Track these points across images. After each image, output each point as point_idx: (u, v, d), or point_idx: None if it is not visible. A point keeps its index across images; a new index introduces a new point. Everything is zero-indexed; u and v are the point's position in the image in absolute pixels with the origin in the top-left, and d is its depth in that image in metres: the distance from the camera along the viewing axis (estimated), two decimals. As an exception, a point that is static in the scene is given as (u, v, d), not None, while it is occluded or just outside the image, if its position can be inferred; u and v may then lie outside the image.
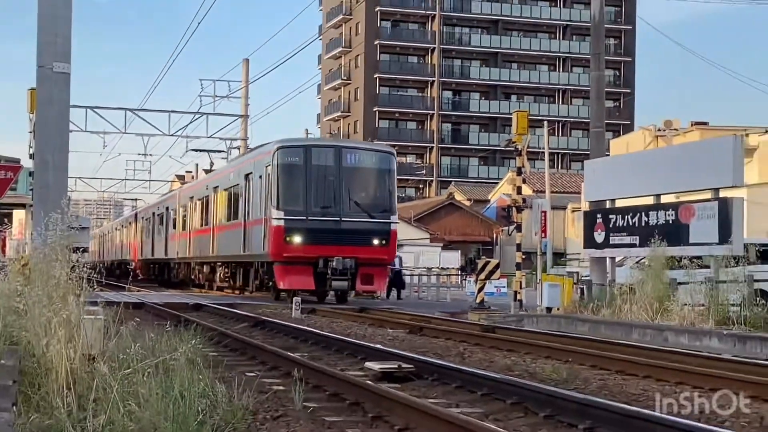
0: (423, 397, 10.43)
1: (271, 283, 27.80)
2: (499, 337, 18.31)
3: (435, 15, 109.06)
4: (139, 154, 59.11)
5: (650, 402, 10.68)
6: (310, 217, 25.38)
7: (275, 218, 25.53)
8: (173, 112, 50.16)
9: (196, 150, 54.37)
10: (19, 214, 38.34)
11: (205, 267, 39.97)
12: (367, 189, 26.75)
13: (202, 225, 38.33)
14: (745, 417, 9.80)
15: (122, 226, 69.96)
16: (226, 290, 37.05)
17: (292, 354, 14.21)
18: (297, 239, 25.10)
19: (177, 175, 76.40)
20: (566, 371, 13.28)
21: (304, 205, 25.73)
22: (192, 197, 41.74)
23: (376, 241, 26.08)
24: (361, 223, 26.19)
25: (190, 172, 63.40)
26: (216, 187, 35.79)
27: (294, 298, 26.56)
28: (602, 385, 12.28)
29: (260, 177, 27.94)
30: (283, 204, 25.65)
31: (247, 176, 30.25)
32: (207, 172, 50.06)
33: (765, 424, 9.50)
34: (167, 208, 49.08)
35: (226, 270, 35.79)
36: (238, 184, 31.38)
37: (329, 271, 25.39)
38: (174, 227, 45.99)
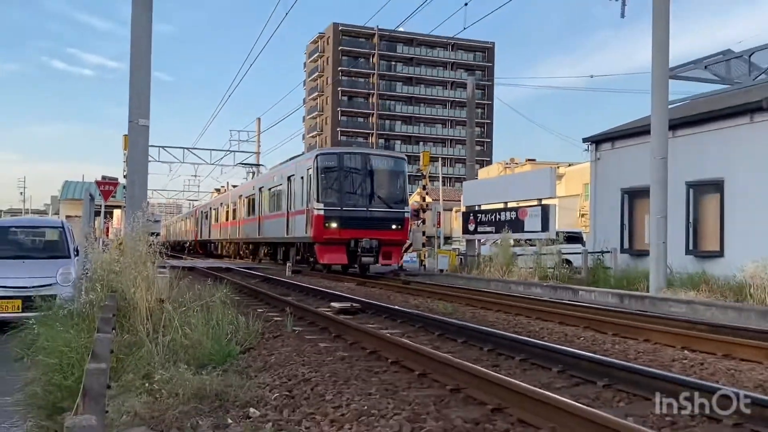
0: (365, 324, 10.53)
1: (312, 259, 24.52)
2: (412, 287, 18.38)
3: (374, 93, 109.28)
4: (192, 176, 59.17)
5: (500, 325, 10.89)
6: (344, 208, 22.47)
7: (317, 209, 22.46)
8: (213, 149, 50.36)
9: (244, 164, 53.63)
10: (117, 213, 38.26)
11: (249, 245, 36.48)
12: (387, 186, 23.62)
13: (249, 215, 35.04)
14: (554, 332, 10.06)
15: (183, 219, 69.18)
16: (245, 259, 36.52)
17: (285, 298, 14.25)
18: (334, 225, 22.20)
19: (216, 189, 75.50)
20: (452, 307, 13.42)
21: (339, 198, 22.68)
22: (240, 195, 38.40)
23: (394, 226, 23.15)
24: (383, 212, 23.07)
25: (224, 186, 62.50)
26: (261, 188, 32.48)
27: (287, 263, 26.35)
28: (473, 315, 12.45)
29: (302, 178, 24.62)
30: (323, 198, 22.60)
31: (289, 178, 26.67)
32: (234, 187, 49.61)
33: (566, 336, 9.75)
34: (210, 207, 48.77)
35: (268, 248, 32.56)
36: (281, 184, 27.87)
37: (359, 250, 22.49)
38: (225, 218, 42.72)
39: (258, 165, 49.88)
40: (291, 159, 29.50)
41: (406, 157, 25.10)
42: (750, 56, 20.62)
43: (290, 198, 26.42)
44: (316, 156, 23.54)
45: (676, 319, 11.48)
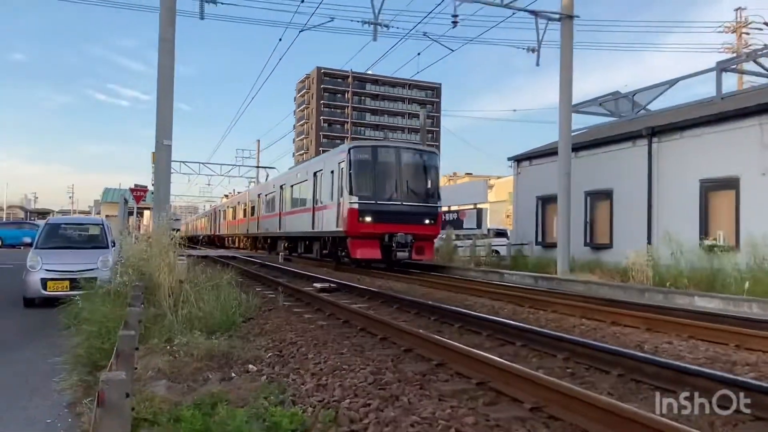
0: (339, 299, 10.50)
1: (342, 253, 18.99)
2: (375, 272, 18.15)
3: (348, 121, 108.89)
4: (206, 184, 58.64)
5: (445, 300, 10.94)
6: (378, 202, 17.54)
7: (350, 202, 17.52)
8: (223, 164, 50.02)
9: (264, 167, 52.16)
10: (146, 213, 37.53)
11: (268, 239, 30.56)
12: (420, 179, 18.63)
13: (268, 211, 29.51)
14: (485, 306, 10.14)
15: (200, 218, 68.11)
16: (260, 251, 34.27)
17: (278, 279, 14.13)
18: (368, 219, 17.37)
19: (225, 195, 74.72)
20: (407, 287, 13.39)
21: (373, 192, 17.74)
22: (260, 194, 32.61)
23: (427, 221, 18.27)
24: (416, 206, 18.14)
25: (232, 193, 61.77)
26: (282, 185, 26.83)
27: (281, 253, 25.78)
28: (423, 293, 12.43)
29: (332, 172, 19.35)
30: (356, 191, 17.52)
31: (315, 173, 21.17)
32: (239, 193, 48.78)
33: (493, 308, 9.81)
34: (228, 207, 46.90)
35: (289, 242, 26.14)
36: (306, 180, 22.49)
37: (393, 244, 17.72)
38: (243, 215, 37.75)
39: (269, 167, 49.21)
40: (324, 153, 24.13)
41: (438, 151, 20.39)
42: (633, 96, 21.03)
43: (317, 193, 21.13)
44: (350, 149, 18.45)
45: (577, 295, 11.65)
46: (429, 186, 18.76)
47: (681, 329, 7.48)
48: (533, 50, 16.60)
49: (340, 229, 18.26)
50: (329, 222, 19.44)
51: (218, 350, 6.15)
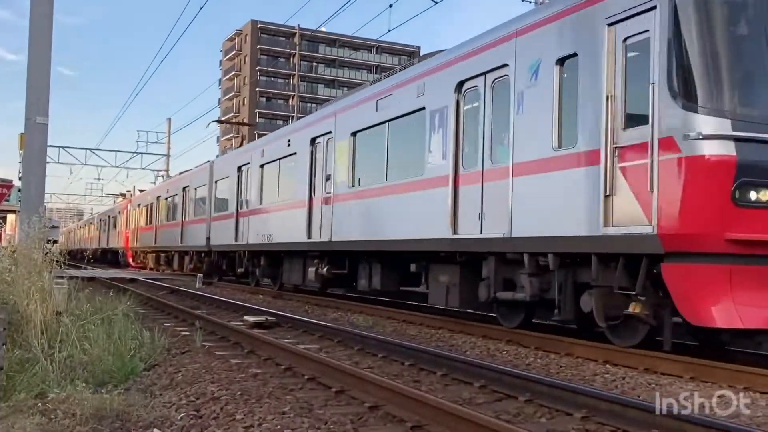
0: (281, 338, 10.45)
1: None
2: (330, 299, 18.25)
3: (294, 95, 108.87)
4: (95, 179, 57.90)
5: (419, 341, 10.98)
6: None
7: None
8: (119, 151, 49.17)
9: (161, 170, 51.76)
10: (10, 218, 36.84)
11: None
12: None
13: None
14: (479, 348, 10.22)
15: (90, 224, 67.10)
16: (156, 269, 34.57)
17: (195, 311, 14.00)
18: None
19: (121, 193, 73.80)
20: (372, 321, 13.48)
21: None
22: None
23: None
24: None
25: (130, 191, 61.07)
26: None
27: (198, 276, 25.27)
28: (393, 329, 12.51)
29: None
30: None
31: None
32: (141, 191, 48.24)
33: (496, 353, 9.88)
34: (127, 208, 46.12)
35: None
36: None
37: None
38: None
39: (167, 170, 48.85)
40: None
41: None
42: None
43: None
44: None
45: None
46: None
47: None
48: (540, 2, 16.92)
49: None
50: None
51: (110, 409, 6.07)
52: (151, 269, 37.17)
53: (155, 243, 36.04)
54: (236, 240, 22.39)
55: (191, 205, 29.37)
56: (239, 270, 22.88)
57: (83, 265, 41.56)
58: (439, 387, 7.27)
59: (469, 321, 12.90)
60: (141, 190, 49.09)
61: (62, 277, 9.42)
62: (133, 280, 25.80)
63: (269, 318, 12.54)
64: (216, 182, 26.17)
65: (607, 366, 8.75)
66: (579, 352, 9.58)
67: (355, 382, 6.94)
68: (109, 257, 51.01)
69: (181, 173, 35.40)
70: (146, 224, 38.94)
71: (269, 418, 5.85)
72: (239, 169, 22.92)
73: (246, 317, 12.76)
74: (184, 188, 31.01)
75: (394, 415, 5.98)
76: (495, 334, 11.31)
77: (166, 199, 34.06)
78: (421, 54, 17.02)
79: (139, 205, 41.80)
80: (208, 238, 25.62)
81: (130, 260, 42.62)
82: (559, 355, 9.57)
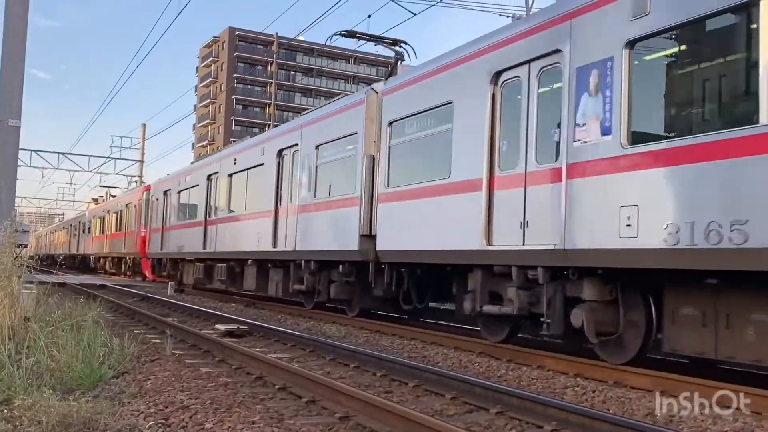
0: (252, 347, 10.40)
1: None
2: (303, 309, 18.07)
3: (271, 103, 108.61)
4: (67, 184, 57.36)
5: (392, 351, 10.97)
6: None
7: None
8: (92, 156, 48.59)
9: (104, 186, 51.87)
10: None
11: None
12: None
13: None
14: (451, 359, 10.23)
15: (61, 228, 66.45)
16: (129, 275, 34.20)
17: (166, 318, 13.89)
18: None
19: (93, 198, 73.10)
20: (345, 331, 13.45)
21: None
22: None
23: None
24: None
25: (102, 196, 60.45)
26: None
27: (170, 283, 25.19)
28: (366, 340, 12.49)
29: None
30: None
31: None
32: (113, 197, 47.82)
33: (469, 364, 9.88)
34: (98, 213, 46.01)
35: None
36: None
37: None
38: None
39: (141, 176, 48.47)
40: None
41: None
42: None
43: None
44: None
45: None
46: None
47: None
48: (518, 18, 17.04)
49: None
50: None
51: (78, 416, 6.00)
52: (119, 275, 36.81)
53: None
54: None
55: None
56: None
57: (54, 271, 41.14)
58: (410, 398, 7.27)
59: (441, 332, 12.92)
60: (113, 196, 48.73)
61: (32, 282, 9.30)
62: (103, 287, 25.57)
63: (241, 327, 12.49)
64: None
65: (578, 379, 8.80)
66: (550, 364, 9.63)
67: (327, 392, 6.93)
68: (77, 263, 50.57)
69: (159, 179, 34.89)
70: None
71: (239, 428, 5.81)
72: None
73: (218, 326, 12.70)
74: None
75: (364, 425, 5.97)
76: (467, 346, 11.34)
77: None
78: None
79: (99, 215, 41.96)
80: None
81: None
82: (530, 368, 9.61)
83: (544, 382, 8.60)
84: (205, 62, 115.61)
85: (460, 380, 7.63)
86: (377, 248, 13.11)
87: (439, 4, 20.47)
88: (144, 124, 53.08)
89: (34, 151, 44.25)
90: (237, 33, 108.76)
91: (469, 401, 7.04)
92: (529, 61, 9.72)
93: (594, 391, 8.06)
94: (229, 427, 5.85)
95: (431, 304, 14.90)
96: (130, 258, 35.59)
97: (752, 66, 7.06)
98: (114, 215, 39.97)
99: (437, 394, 7.46)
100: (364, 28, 52.35)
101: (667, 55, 8.34)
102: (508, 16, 17.10)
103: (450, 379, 7.72)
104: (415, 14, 18.39)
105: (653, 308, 8.40)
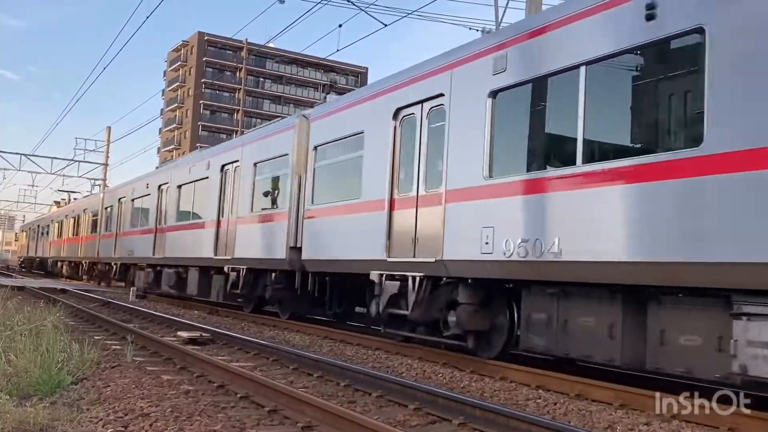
0: (215, 355, 10.32)
1: None
2: (266, 317, 18.02)
3: (239, 109, 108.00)
4: (28, 185, 56.58)
5: (356, 361, 10.97)
6: None
7: None
8: (55, 158, 47.82)
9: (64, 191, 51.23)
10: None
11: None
12: None
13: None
14: (415, 369, 10.26)
15: (21, 231, 65.43)
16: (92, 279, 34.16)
17: (127, 325, 13.73)
18: None
19: (55, 201, 71.86)
20: (309, 340, 13.42)
21: None
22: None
23: None
24: None
25: (65, 199, 59.51)
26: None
27: (132, 289, 24.91)
28: (330, 349, 12.48)
29: None
30: None
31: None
32: (75, 200, 47.28)
33: (432, 375, 9.90)
34: (60, 217, 45.64)
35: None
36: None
37: None
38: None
39: (104, 179, 47.93)
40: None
41: None
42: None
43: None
44: None
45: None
46: None
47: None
48: (488, 32, 17.18)
49: None
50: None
51: (35, 423, 5.93)
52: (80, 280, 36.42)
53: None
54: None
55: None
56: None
57: (13, 274, 40.49)
58: (374, 408, 7.27)
59: (404, 343, 12.95)
60: (75, 198, 48.11)
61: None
62: (63, 291, 25.21)
63: (203, 334, 12.39)
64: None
65: (540, 391, 8.87)
66: (513, 376, 9.71)
67: (290, 401, 6.90)
68: (34, 266, 49.89)
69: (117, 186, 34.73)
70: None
71: (200, 436, 5.77)
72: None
73: (180, 332, 12.59)
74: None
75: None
76: (431, 357, 11.39)
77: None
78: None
79: (60, 218, 41.64)
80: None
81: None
82: (493, 379, 9.67)
83: (506, 393, 8.66)
84: (173, 66, 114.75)
85: (424, 391, 7.65)
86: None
87: (410, 15, 20.62)
88: (109, 127, 52.32)
89: (-5, 151, 43.57)
90: (206, 38, 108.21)
91: (432, 412, 7.06)
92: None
93: (555, 404, 8.14)
94: (190, 435, 5.81)
95: (357, 309, 15.92)
96: (86, 262, 35.99)
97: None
98: (72, 220, 39.87)
99: (400, 404, 7.47)
100: (335, 37, 52.50)
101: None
102: (478, 30, 17.26)
103: (413, 389, 7.74)
104: (386, 25, 18.49)
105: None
